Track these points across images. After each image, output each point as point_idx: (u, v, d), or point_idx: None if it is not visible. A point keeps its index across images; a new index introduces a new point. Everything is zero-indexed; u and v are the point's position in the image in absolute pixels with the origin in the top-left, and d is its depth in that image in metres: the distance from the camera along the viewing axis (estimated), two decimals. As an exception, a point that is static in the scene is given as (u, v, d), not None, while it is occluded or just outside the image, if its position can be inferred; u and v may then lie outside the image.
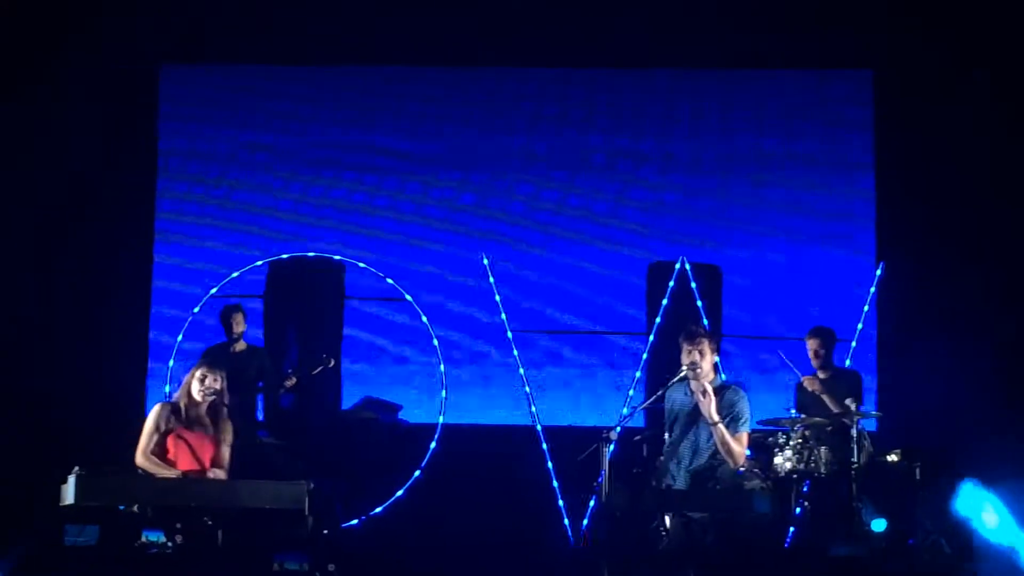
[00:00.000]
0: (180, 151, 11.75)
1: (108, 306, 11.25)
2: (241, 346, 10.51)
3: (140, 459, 8.21)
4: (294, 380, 10.45)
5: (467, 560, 9.15)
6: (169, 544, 7.77)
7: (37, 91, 11.18)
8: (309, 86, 11.87)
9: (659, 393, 8.40)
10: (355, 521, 10.44)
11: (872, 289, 11.26)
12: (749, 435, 8.26)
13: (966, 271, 11.11)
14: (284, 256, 11.31)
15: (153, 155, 11.68)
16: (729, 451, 8.04)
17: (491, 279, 11.34)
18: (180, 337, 10.96)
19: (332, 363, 10.63)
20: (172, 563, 7.71)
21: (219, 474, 8.24)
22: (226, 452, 8.34)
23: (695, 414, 8.19)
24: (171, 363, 10.87)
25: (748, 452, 8.30)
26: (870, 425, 10.13)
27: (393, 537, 10.26)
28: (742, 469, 8.40)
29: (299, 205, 11.75)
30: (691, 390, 8.26)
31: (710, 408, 8.04)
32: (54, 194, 11.22)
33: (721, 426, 8.04)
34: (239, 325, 10.47)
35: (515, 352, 11.22)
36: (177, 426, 8.26)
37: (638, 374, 11.11)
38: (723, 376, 8.73)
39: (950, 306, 11.07)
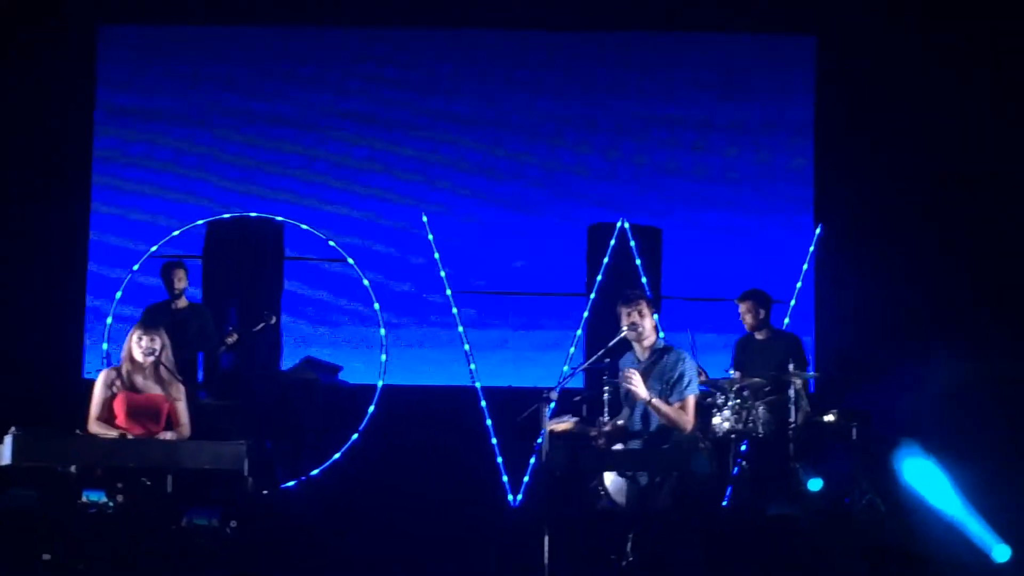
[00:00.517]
0: (118, 110, 11.65)
1: (44, 265, 11.15)
2: (182, 303, 10.45)
3: (92, 426, 8.16)
4: (235, 337, 10.40)
5: (407, 521, 9.18)
6: (110, 504, 7.73)
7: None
8: (250, 46, 11.79)
9: (599, 354, 8.42)
10: (294, 482, 10.44)
11: (811, 250, 11.34)
12: (696, 396, 8.26)
13: (904, 233, 11.21)
14: (225, 216, 11.25)
15: (90, 114, 11.58)
16: (672, 421, 8.07)
17: (430, 237, 11.33)
18: (119, 294, 10.89)
19: (274, 320, 10.60)
20: (112, 522, 7.68)
21: (183, 432, 8.19)
22: (182, 408, 8.30)
23: (644, 377, 8.19)
24: (109, 320, 10.81)
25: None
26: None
27: (332, 498, 10.26)
28: None
29: (238, 165, 11.69)
30: (638, 358, 8.30)
31: (638, 391, 8.06)
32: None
33: (655, 400, 8.06)
34: (180, 282, 10.41)
35: (455, 312, 11.24)
36: (123, 390, 8.21)
37: (578, 333, 11.15)
38: (662, 335, 8.76)
39: (887, 268, 11.18)
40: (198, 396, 9.77)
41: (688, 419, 8.09)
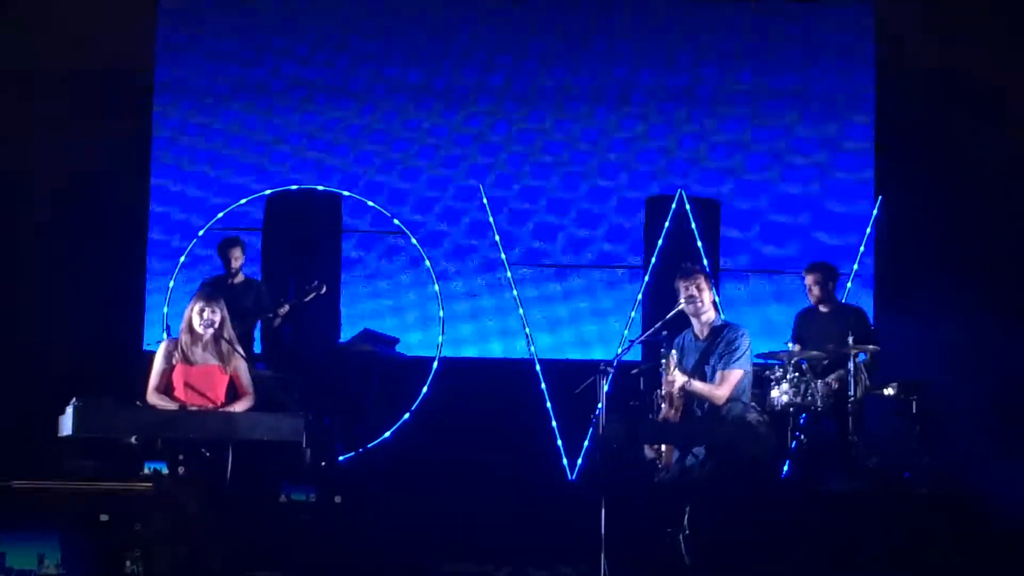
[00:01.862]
0: (177, 81, 11.70)
1: (104, 238, 11.21)
2: (239, 278, 10.50)
3: (151, 397, 8.18)
4: (286, 308, 10.42)
5: (464, 493, 9.19)
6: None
7: (30, 18, 11.14)
8: (309, 16, 11.81)
9: (656, 326, 8.39)
10: (352, 454, 10.49)
11: (870, 222, 11.24)
12: (744, 372, 8.21)
13: (964, 204, 11.09)
14: (293, 188, 11.29)
15: (150, 85, 11.63)
16: (705, 397, 8.05)
17: (487, 206, 11.33)
18: (183, 258, 11.00)
19: (324, 289, 10.56)
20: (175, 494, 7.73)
21: (248, 401, 8.23)
22: (245, 377, 8.30)
23: (703, 356, 8.17)
24: (171, 284, 10.89)
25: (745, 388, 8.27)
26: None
27: (389, 470, 10.30)
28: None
29: (298, 136, 11.72)
30: (695, 335, 8.25)
31: (676, 384, 8.04)
32: (47, 126, 11.18)
33: (693, 384, 8.04)
34: (237, 260, 10.45)
35: (512, 283, 11.24)
36: (181, 362, 8.24)
37: (639, 298, 11.11)
38: (723, 315, 8.70)
39: (948, 239, 11.06)
40: (256, 368, 9.82)
41: (721, 392, 8.04)
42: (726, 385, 8.07)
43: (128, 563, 7.36)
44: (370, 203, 11.23)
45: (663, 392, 8.29)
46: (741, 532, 7.87)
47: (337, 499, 8.06)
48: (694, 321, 8.24)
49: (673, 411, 8.13)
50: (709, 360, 8.12)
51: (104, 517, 7.56)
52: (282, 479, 8.19)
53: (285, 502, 8.12)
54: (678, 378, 8.04)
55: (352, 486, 9.62)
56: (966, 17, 11.06)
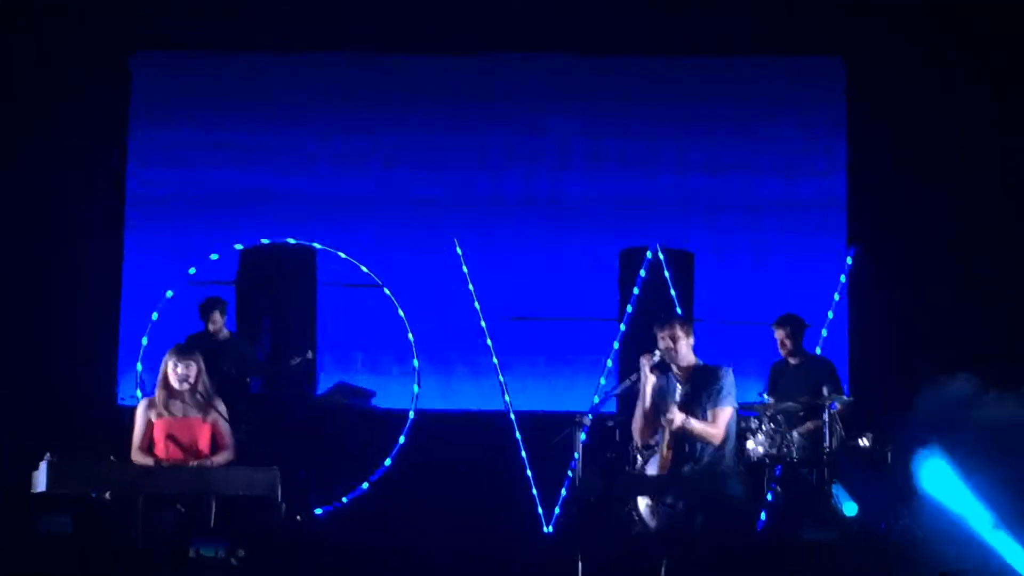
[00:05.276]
0: (151, 137, 11.70)
1: (78, 293, 11.16)
2: (224, 334, 10.46)
3: (136, 456, 8.13)
4: (297, 360, 10.48)
5: (440, 547, 9.14)
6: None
7: (6, 77, 11.13)
8: (281, 74, 11.85)
9: (632, 378, 8.37)
10: (328, 508, 10.43)
11: (842, 280, 11.27)
12: (733, 409, 8.08)
13: (937, 255, 11.14)
14: (264, 241, 11.26)
15: (123, 140, 11.62)
16: (700, 437, 7.96)
17: (464, 267, 11.31)
18: (155, 316, 10.92)
19: (310, 355, 10.56)
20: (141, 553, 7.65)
21: (228, 454, 8.18)
22: (225, 430, 8.24)
23: (689, 399, 8.09)
24: (144, 341, 10.84)
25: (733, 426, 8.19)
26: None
27: (365, 524, 10.24)
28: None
29: (271, 193, 11.72)
30: (677, 378, 8.18)
31: (675, 423, 7.95)
32: (22, 183, 11.14)
33: (690, 423, 7.95)
34: (215, 323, 10.42)
35: (489, 343, 11.21)
36: (160, 418, 8.20)
37: (610, 363, 11.11)
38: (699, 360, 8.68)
39: (922, 290, 11.10)
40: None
41: (716, 432, 7.95)
42: (719, 423, 7.97)
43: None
44: (342, 255, 11.21)
45: (663, 430, 8.18)
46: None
47: (241, 553, 7.82)
48: (674, 367, 8.17)
49: (667, 451, 8.06)
50: (698, 401, 8.04)
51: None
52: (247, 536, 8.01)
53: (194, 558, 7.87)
54: (677, 417, 7.97)
55: (326, 540, 9.57)
56: (937, 66, 11.14)
